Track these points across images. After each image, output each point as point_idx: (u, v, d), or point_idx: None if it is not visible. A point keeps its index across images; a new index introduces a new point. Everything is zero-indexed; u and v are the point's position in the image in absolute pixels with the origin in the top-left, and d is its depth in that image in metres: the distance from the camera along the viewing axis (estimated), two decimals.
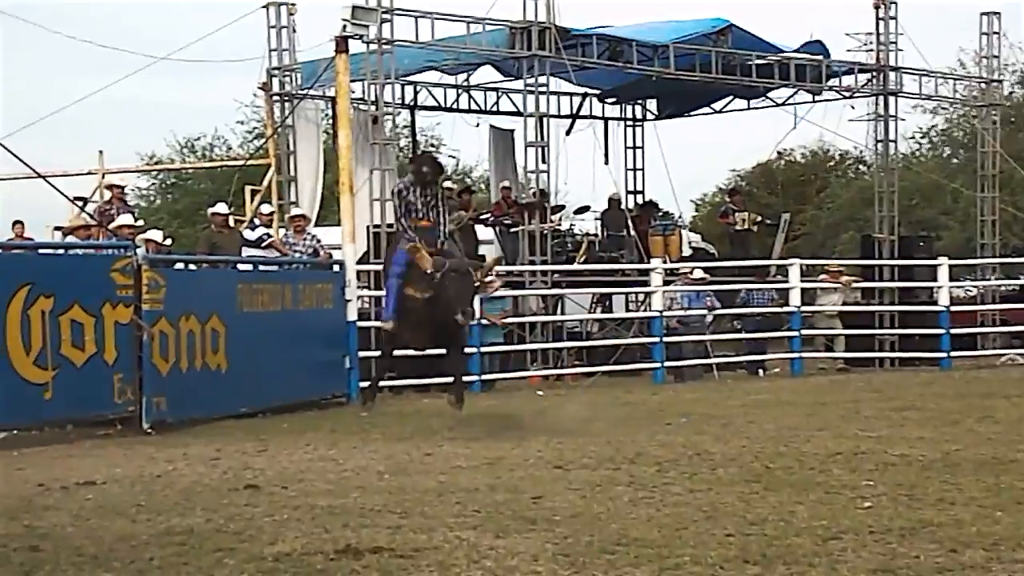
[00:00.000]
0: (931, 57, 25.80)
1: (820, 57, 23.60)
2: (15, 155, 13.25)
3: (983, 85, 25.85)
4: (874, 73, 24.20)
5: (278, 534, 7.11)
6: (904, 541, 6.72)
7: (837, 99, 24.88)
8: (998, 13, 25.04)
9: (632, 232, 23.73)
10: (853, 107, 24.89)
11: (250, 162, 24.59)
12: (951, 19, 41.00)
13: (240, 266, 16.51)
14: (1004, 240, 28.08)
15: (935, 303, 21.83)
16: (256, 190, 21.63)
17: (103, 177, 21.50)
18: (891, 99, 24.38)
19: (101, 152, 22.68)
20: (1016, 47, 33.91)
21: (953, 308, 21.96)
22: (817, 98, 24.91)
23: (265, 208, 19.48)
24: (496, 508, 7.85)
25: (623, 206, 24.67)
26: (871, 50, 24.21)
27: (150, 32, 46.53)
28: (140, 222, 17.46)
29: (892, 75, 24.18)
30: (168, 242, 17.53)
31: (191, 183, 39.72)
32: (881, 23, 23.96)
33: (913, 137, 37.40)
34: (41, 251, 15.38)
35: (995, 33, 25.15)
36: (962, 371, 20.48)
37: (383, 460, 10.30)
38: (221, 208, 18.48)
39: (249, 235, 18.42)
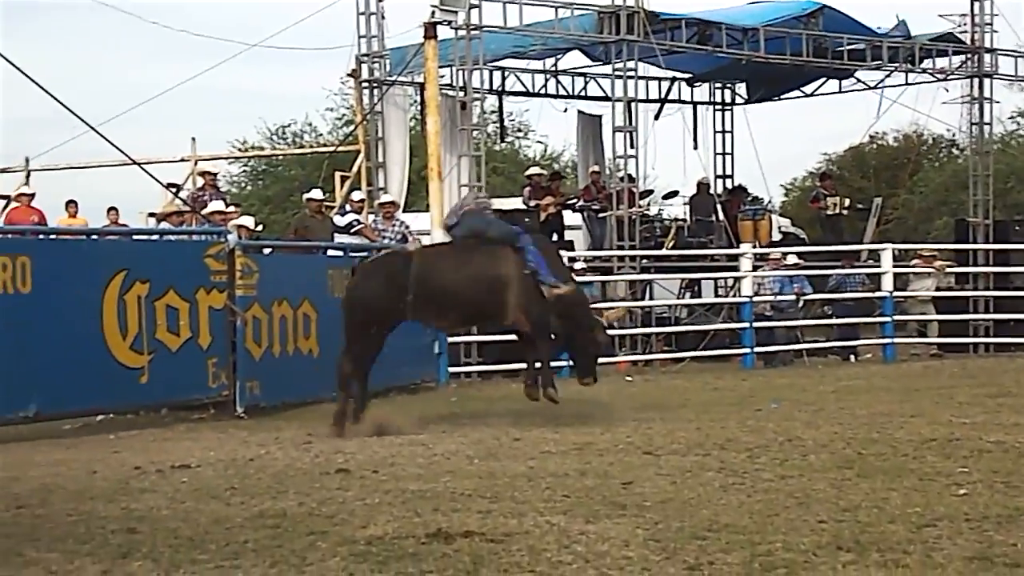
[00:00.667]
0: None
1: (912, 39, 23.29)
2: (110, 142, 13.44)
3: None
4: (968, 55, 23.82)
5: (370, 518, 7.16)
6: (1000, 529, 6.63)
7: (931, 81, 24.53)
8: None
9: (721, 217, 23.58)
10: (947, 89, 24.54)
11: (340, 149, 24.72)
12: None
13: (331, 251, 16.63)
14: None
15: None
16: (346, 176, 21.75)
17: (195, 164, 21.76)
18: (986, 81, 23.99)
19: (193, 139, 22.97)
20: None
21: None
22: (910, 80, 24.56)
23: (356, 195, 19.59)
24: (586, 493, 7.85)
25: (712, 191, 24.52)
26: (965, 31, 23.83)
27: (241, 21, 47.00)
28: (232, 208, 17.61)
29: (987, 56, 23.78)
30: (259, 228, 17.68)
31: (281, 169, 40.04)
32: (976, 3, 23.58)
33: (1012, 118, 36.81)
34: (136, 237, 15.58)
35: None
36: None
37: (472, 445, 10.34)
38: (316, 194, 18.62)
39: (339, 221, 18.53)
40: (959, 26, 23.89)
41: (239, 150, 38.42)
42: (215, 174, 19.75)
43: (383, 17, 21.15)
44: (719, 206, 23.96)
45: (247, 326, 13.49)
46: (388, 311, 12.14)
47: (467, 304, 12.31)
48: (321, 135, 40.33)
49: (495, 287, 12.20)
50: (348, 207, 19.25)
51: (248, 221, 17.39)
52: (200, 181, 19.51)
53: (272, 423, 12.53)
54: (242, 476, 8.90)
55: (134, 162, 15.10)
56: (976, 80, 23.96)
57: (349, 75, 22.18)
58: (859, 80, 25.22)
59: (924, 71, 24.18)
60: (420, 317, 12.54)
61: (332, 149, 26.67)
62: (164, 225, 17.47)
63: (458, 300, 12.25)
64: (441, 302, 12.21)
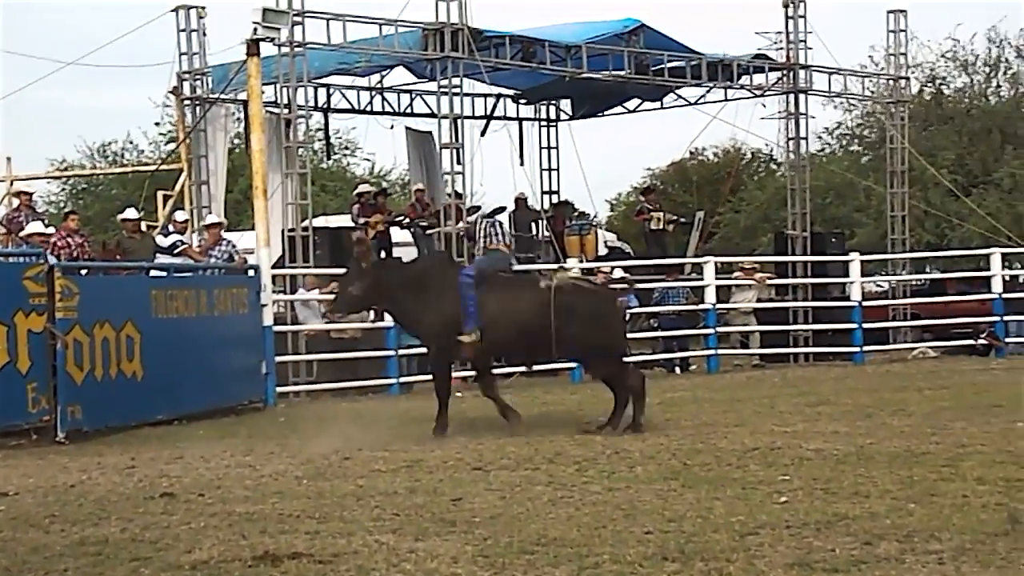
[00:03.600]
0: (840, 55, 26.03)
1: (731, 55, 23.82)
2: None
3: (891, 82, 26.18)
4: (784, 71, 24.44)
5: (195, 542, 7.05)
6: (820, 535, 6.80)
7: (748, 97, 25.09)
8: (904, 11, 25.35)
9: (545, 232, 23.79)
10: (764, 105, 25.12)
11: (162, 167, 24.33)
12: (859, 16, 41.44)
13: (153, 272, 16.35)
14: (917, 236, 28.44)
15: (848, 299, 22.08)
16: (168, 195, 21.42)
17: (11, 184, 21.20)
18: (801, 97, 24.62)
19: (9, 159, 22.38)
20: (924, 45, 34.39)
21: (865, 303, 22.24)
22: (728, 97, 25.11)
23: (180, 215, 19.29)
24: (415, 511, 7.85)
25: (531, 205, 24.71)
26: (780, 48, 24.43)
27: (59, 37, 45.97)
28: (51, 229, 17.18)
29: (802, 73, 24.42)
30: (51, 230, 17.14)
31: (102, 189, 39.25)
32: (791, 21, 24.20)
33: (823, 137, 37.82)
34: None
35: (902, 30, 25.47)
36: (875, 365, 20.75)
37: (301, 465, 10.25)
38: (131, 213, 18.27)
39: (162, 241, 18.22)
40: (775, 43, 24.49)
41: (58, 169, 37.56)
42: (31, 194, 19.25)
43: (204, 34, 20.91)
44: (544, 221, 24.17)
45: (68, 349, 13.17)
46: None
47: None
48: (143, 151, 39.69)
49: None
50: (171, 227, 18.95)
51: (38, 227, 16.85)
52: (16, 202, 19.02)
53: (94, 448, 12.25)
54: (62, 503, 8.69)
55: None
56: (792, 96, 24.57)
57: (170, 92, 21.86)
58: (680, 96, 25.68)
59: (742, 87, 24.73)
60: None
61: (154, 167, 26.22)
62: None
63: None
64: None
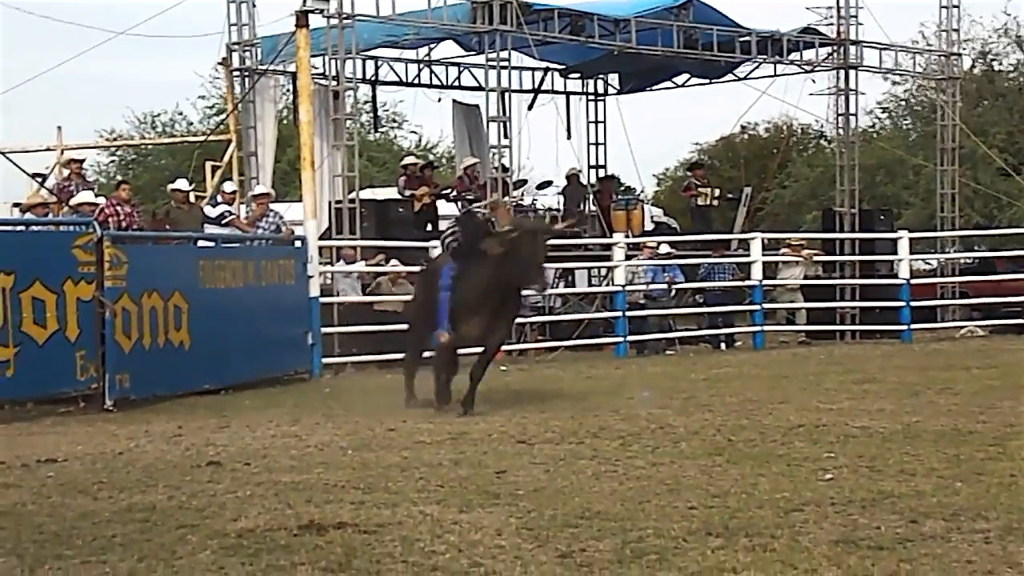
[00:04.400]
0: (891, 31, 25.86)
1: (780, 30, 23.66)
2: None
3: (943, 59, 25.94)
4: (835, 47, 24.25)
5: (241, 510, 7.10)
6: (865, 512, 6.77)
7: (799, 73, 24.92)
8: None
9: (594, 207, 23.72)
10: (814, 81, 24.95)
11: (210, 138, 24.42)
12: None
13: (201, 242, 16.44)
14: (966, 216, 28.19)
15: (895, 276, 21.95)
16: (217, 166, 21.51)
17: (62, 153, 21.34)
18: (851, 72, 24.44)
19: (59, 128, 22.51)
20: (976, 21, 34.06)
21: (913, 281, 22.10)
22: (778, 72, 24.94)
23: (228, 186, 19.38)
24: (460, 483, 7.87)
25: (583, 181, 24.66)
26: (831, 23, 24.25)
27: (109, 7, 46.09)
28: (101, 199, 17.30)
29: (852, 48, 24.23)
30: (100, 200, 17.22)
31: (151, 159, 39.48)
32: None
33: (873, 112, 37.56)
34: (0, 228, 15.25)
35: (955, 6, 25.23)
36: (922, 343, 20.63)
37: (346, 436, 10.30)
38: (182, 184, 18.37)
39: (210, 212, 18.31)
40: (825, 19, 24.31)
41: (107, 139, 37.78)
42: (81, 162, 19.39)
43: (254, 5, 20.94)
44: (592, 196, 24.11)
45: (116, 318, 13.27)
46: None
47: None
48: (192, 124, 39.87)
49: None
50: (219, 198, 19.04)
51: (88, 196, 16.90)
52: (66, 171, 19.15)
53: (142, 416, 12.35)
54: (110, 470, 8.77)
55: None
56: (842, 72, 24.39)
57: (220, 64, 21.93)
58: (729, 71, 25.50)
59: (792, 62, 24.56)
60: None
61: (203, 138, 26.33)
62: (29, 216, 17.10)
63: None
64: None
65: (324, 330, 16.94)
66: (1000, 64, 35.90)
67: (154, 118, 40.44)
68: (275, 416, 11.85)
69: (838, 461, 8.43)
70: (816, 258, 22.75)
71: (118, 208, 16.70)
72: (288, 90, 23.05)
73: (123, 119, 40.74)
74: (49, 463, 9.14)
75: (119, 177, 38.48)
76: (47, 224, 15.37)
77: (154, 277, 14.04)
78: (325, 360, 16.87)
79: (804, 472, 8.04)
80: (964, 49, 27.95)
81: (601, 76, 26.83)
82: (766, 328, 21.12)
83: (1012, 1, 35.70)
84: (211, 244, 16.37)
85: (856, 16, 24.08)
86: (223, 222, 17.92)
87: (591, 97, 27.03)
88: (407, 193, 21.40)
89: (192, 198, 18.78)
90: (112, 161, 40.10)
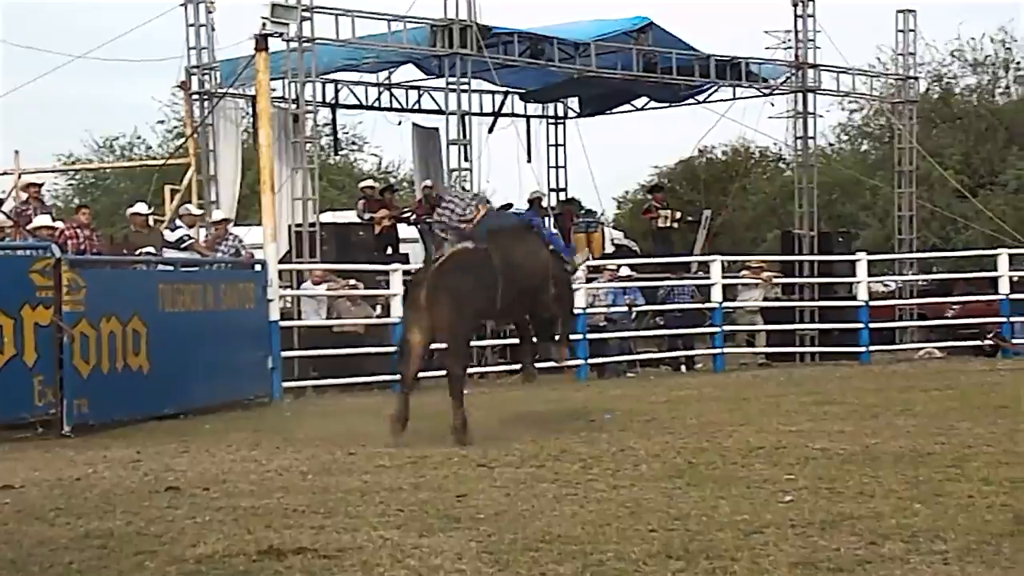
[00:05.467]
0: (849, 54, 25.99)
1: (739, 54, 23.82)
2: None
3: (900, 82, 26.16)
4: (793, 70, 24.42)
5: (200, 536, 7.06)
6: (825, 534, 6.79)
7: (757, 96, 25.08)
8: (913, 11, 25.33)
9: (554, 230, 23.72)
10: (773, 104, 25.14)
11: (170, 162, 24.34)
12: (868, 16, 41.35)
13: (161, 266, 16.36)
14: (923, 238, 28.38)
15: (854, 298, 22.06)
16: (176, 190, 21.43)
17: (19, 177, 21.22)
18: (810, 96, 24.61)
19: (17, 152, 22.40)
20: (930, 45, 34.35)
21: (872, 303, 22.20)
22: (737, 95, 25.10)
23: (195, 208, 19.32)
24: (420, 507, 7.85)
25: (544, 205, 24.68)
26: (790, 47, 24.43)
27: (66, 30, 45.90)
28: (59, 223, 17.20)
29: (811, 72, 24.41)
30: (59, 224, 17.14)
31: (110, 183, 39.27)
32: (799, 20, 24.18)
33: (827, 135, 37.84)
34: None
35: (911, 30, 25.44)
36: (881, 365, 20.72)
37: (306, 460, 10.26)
38: (140, 208, 18.30)
39: (169, 236, 18.24)
40: (784, 43, 24.48)
41: (65, 163, 37.58)
42: (40, 186, 19.28)
43: (213, 29, 20.90)
44: (552, 219, 24.15)
45: (75, 342, 13.19)
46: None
47: (535, 293, 12.21)
48: (151, 148, 39.71)
49: (546, 273, 12.26)
50: (179, 222, 18.96)
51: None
52: (24, 195, 19.04)
53: (100, 441, 12.26)
54: (68, 496, 8.70)
55: None
56: (800, 95, 24.56)
57: (179, 87, 21.87)
58: (688, 94, 25.63)
59: (750, 85, 24.71)
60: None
61: (162, 162, 26.24)
62: None
63: (529, 291, 12.11)
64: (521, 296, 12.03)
65: (284, 354, 16.88)
66: (955, 87, 36.24)
67: (112, 142, 40.28)
68: (235, 441, 11.80)
69: (798, 483, 8.46)
70: (775, 280, 22.86)
71: (78, 231, 16.61)
72: (248, 113, 23.01)
73: (81, 143, 40.56)
74: (6, 489, 9.06)
75: (77, 201, 38.44)
76: (4, 248, 15.26)
77: (113, 301, 13.96)
78: (285, 384, 16.80)
79: (764, 494, 8.06)
80: (920, 73, 28.16)
81: (561, 99, 26.91)
82: (726, 350, 21.17)
83: (961, 24, 36.14)
84: (170, 268, 16.30)
85: (814, 40, 24.28)
86: (182, 246, 17.86)
87: (551, 120, 27.13)
88: (367, 216, 21.39)
89: (151, 222, 18.70)
90: (71, 185, 39.91)
